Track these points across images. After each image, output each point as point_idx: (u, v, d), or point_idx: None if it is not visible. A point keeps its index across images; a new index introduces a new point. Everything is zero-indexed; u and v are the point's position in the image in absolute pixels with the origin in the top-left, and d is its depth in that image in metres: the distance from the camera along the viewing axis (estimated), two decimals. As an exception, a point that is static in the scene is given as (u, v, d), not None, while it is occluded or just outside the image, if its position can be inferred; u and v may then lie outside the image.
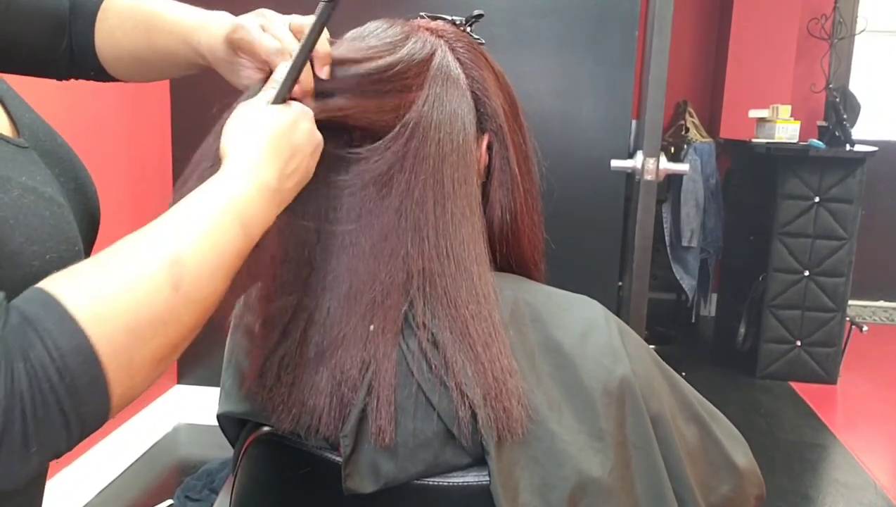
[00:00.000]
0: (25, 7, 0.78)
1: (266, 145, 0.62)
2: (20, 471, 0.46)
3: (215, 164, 0.63)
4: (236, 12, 0.73)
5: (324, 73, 0.69)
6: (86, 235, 0.69)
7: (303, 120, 0.66)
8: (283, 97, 0.66)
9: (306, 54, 0.66)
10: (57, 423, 0.46)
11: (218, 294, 0.57)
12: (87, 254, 0.69)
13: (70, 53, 0.81)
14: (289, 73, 0.65)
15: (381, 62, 0.71)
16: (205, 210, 0.57)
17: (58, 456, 0.49)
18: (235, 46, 0.70)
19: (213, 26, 0.73)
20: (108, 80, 0.86)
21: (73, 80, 0.86)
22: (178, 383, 2.70)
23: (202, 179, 0.61)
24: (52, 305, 0.47)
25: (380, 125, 0.71)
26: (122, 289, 0.50)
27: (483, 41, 0.80)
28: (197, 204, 0.58)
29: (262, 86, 0.67)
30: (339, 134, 0.72)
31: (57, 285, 0.49)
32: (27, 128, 0.66)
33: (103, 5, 0.81)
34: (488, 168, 0.78)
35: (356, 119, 0.71)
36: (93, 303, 0.48)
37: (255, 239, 0.60)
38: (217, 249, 0.56)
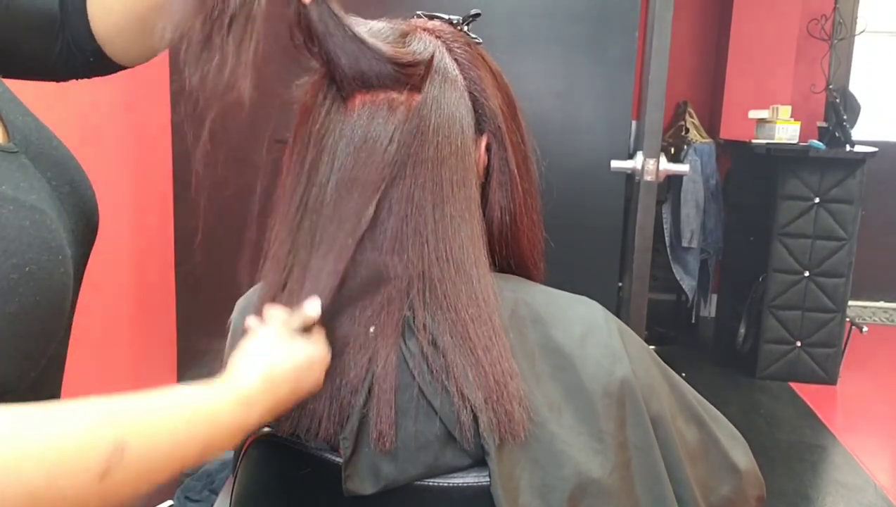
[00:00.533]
0: (23, 5, 0.77)
1: (268, 382, 0.61)
2: None
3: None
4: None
5: None
6: (82, 237, 0.69)
7: (321, 365, 0.66)
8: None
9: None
10: None
11: (135, 499, 0.51)
12: (81, 259, 0.69)
13: (67, 49, 0.80)
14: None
15: (390, 49, 0.70)
16: (179, 414, 0.54)
17: None
18: None
19: None
20: (109, 69, 0.84)
21: (73, 80, 0.85)
22: (178, 383, 2.70)
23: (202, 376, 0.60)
24: None
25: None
26: (45, 455, 0.45)
27: (480, 40, 0.79)
28: (175, 403, 0.55)
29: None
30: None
31: None
32: (18, 131, 0.65)
33: None
34: (487, 169, 0.78)
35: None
36: (5, 460, 0.43)
37: (199, 462, 0.57)
38: (162, 458, 0.52)
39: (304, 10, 0.67)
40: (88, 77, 0.85)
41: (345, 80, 0.70)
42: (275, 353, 0.63)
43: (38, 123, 0.70)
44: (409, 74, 0.70)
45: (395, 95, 0.70)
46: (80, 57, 0.81)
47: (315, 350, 0.66)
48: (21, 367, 0.57)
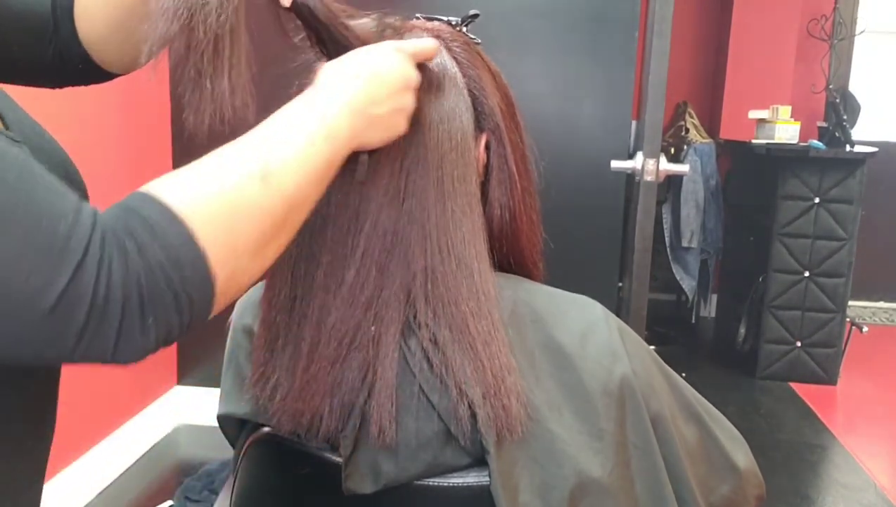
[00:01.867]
0: (15, 6, 0.77)
1: (354, 69, 0.66)
2: (140, 343, 0.50)
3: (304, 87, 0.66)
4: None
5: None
6: None
7: (393, 52, 0.69)
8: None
9: None
10: (167, 298, 0.50)
11: (307, 197, 0.60)
12: None
13: (59, 54, 0.80)
14: None
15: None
16: (295, 121, 0.61)
17: (170, 338, 0.52)
18: None
19: None
20: (101, 76, 0.83)
21: (69, 87, 0.84)
22: (178, 383, 2.70)
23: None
24: (149, 198, 0.52)
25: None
26: (215, 181, 0.54)
27: (479, 41, 0.80)
28: (289, 115, 0.62)
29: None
30: None
31: (155, 184, 0.53)
32: (15, 124, 0.65)
33: None
34: (486, 167, 0.78)
35: None
36: (190, 194, 0.53)
37: (339, 153, 0.63)
38: (304, 155, 0.59)
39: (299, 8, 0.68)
40: (83, 84, 0.85)
41: None
42: (357, 55, 0.67)
43: (29, 117, 0.70)
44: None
45: None
46: (70, 63, 0.81)
47: (400, 55, 0.69)
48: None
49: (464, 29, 0.80)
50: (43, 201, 0.49)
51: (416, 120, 0.71)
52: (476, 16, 0.80)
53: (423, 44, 0.72)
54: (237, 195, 0.55)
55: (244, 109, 0.64)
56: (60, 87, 0.84)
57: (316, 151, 0.61)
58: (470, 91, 0.76)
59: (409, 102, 0.69)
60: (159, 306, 0.50)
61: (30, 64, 0.79)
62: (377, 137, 0.68)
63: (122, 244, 0.49)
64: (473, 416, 0.66)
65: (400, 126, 0.69)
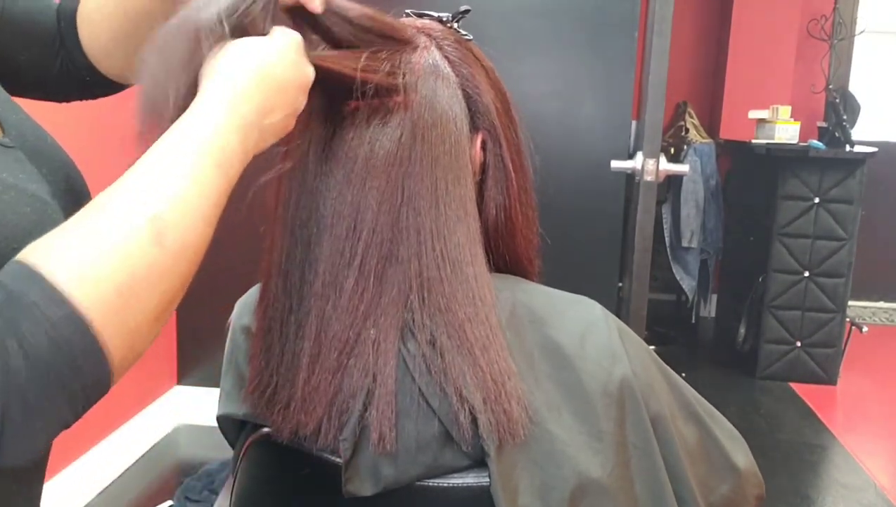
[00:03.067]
0: (19, 17, 0.77)
1: (246, 77, 0.58)
2: (28, 448, 0.46)
3: (189, 92, 0.59)
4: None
5: (316, 4, 0.66)
6: None
7: (290, 50, 0.62)
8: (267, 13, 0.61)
9: None
10: (58, 396, 0.46)
11: (204, 238, 0.54)
12: None
13: (66, 67, 0.80)
14: None
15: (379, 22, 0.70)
16: (180, 155, 0.54)
17: (67, 427, 0.48)
18: None
19: None
20: (108, 88, 0.83)
21: (76, 101, 0.84)
22: (178, 383, 2.70)
23: (177, 108, 0.58)
24: (36, 277, 0.46)
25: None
26: (105, 253, 0.48)
27: (471, 37, 0.79)
28: (171, 149, 0.54)
29: None
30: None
31: (38, 255, 0.47)
32: (13, 128, 0.65)
33: (80, 2, 0.79)
34: (483, 166, 0.77)
35: (340, 80, 0.69)
36: (77, 270, 0.47)
37: (233, 178, 0.57)
38: (196, 196, 0.53)
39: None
40: (90, 97, 0.84)
41: (337, 92, 0.70)
42: (236, 48, 0.59)
43: (31, 120, 0.70)
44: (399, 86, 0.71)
45: (388, 100, 0.71)
46: (76, 75, 0.80)
47: (278, 37, 0.62)
48: None
49: (455, 25, 0.78)
50: None
51: (410, 126, 0.70)
52: (467, 11, 0.79)
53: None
54: (135, 272, 0.49)
55: None
56: (67, 101, 0.84)
57: (209, 184, 0.54)
58: (463, 90, 0.75)
59: (303, 102, 0.64)
60: (48, 409, 0.45)
61: (37, 77, 0.79)
62: (267, 144, 0.62)
63: (3, 344, 0.44)
64: (474, 421, 0.66)
65: (290, 127, 0.64)
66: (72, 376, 0.46)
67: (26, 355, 0.44)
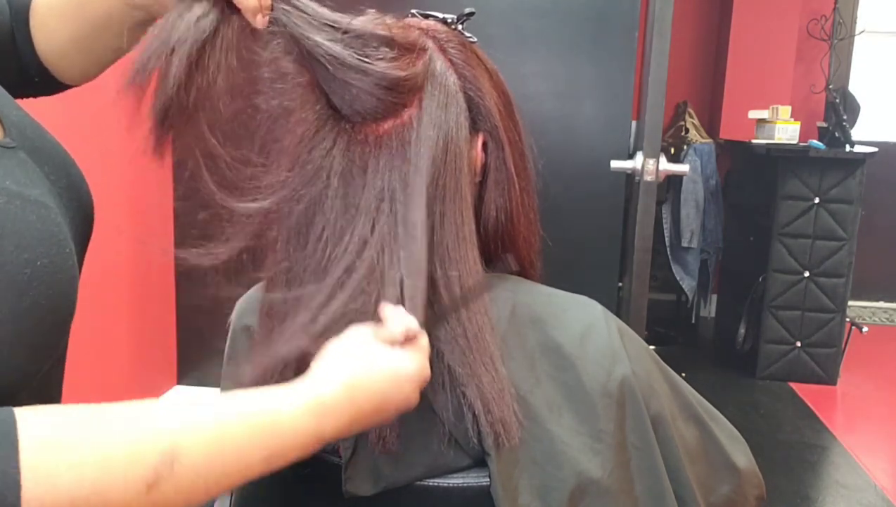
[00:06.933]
0: None
1: (349, 391, 0.56)
2: None
3: (288, 367, 0.57)
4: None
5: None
6: (79, 232, 0.69)
7: (410, 382, 0.60)
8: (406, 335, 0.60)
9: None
10: None
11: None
12: (80, 254, 0.69)
13: (20, 68, 0.79)
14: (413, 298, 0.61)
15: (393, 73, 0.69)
16: (238, 420, 0.50)
17: None
18: None
19: None
20: (52, 89, 0.82)
21: (29, 97, 0.83)
22: (178, 383, 2.70)
23: (275, 379, 0.55)
24: (9, 445, 0.43)
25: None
26: (89, 462, 0.43)
27: (475, 39, 0.78)
28: (234, 409, 0.51)
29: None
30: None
31: (30, 428, 0.44)
32: (14, 126, 0.65)
33: (32, 3, 0.78)
34: (484, 167, 0.77)
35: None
36: (48, 467, 0.42)
37: (265, 472, 0.53)
38: (219, 469, 0.49)
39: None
40: (34, 96, 0.84)
41: (343, 113, 0.70)
42: (363, 359, 0.58)
43: (29, 117, 0.69)
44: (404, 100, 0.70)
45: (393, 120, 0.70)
46: (27, 76, 0.80)
47: (410, 363, 0.60)
48: (36, 362, 0.57)
49: (459, 27, 0.78)
50: None
51: (409, 134, 0.70)
52: (472, 14, 0.78)
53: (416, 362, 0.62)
54: (102, 498, 0.43)
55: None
56: (22, 96, 0.83)
57: (236, 473, 0.51)
58: (465, 93, 0.74)
59: (386, 418, 0.61)
60: None
61: None
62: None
63: None
64: (474, 420, 0.66)
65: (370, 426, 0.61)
66: None
67: None
